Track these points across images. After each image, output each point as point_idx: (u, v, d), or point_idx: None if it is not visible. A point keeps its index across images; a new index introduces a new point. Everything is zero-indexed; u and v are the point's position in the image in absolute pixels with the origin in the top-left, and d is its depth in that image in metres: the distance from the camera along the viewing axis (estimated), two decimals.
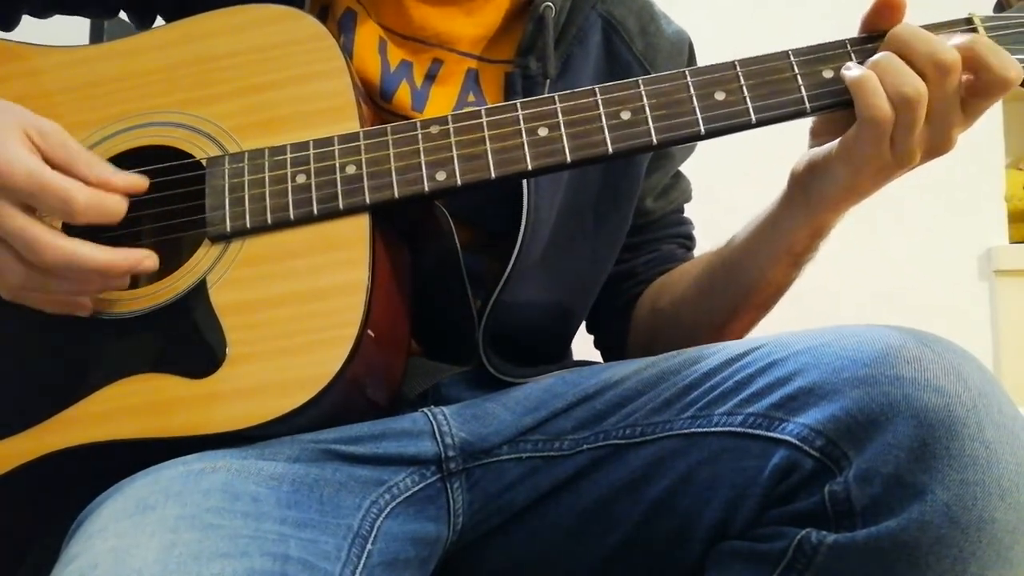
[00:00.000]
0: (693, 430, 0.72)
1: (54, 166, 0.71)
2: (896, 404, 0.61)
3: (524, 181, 0.83)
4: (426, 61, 0.90)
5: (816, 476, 0.64)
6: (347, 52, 0.87)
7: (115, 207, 0.72)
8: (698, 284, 0.92)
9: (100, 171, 0.73)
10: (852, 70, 0.73)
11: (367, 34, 0.90)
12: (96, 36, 1.20)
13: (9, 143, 0.69)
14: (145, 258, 0.72)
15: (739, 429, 0.69)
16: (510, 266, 0.84)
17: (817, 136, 0.78)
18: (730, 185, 1.63)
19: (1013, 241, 2.02)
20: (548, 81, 0.88)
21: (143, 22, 0.97)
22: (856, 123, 0.72)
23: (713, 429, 0.71)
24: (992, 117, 2.00)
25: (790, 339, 0.70)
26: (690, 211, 1.07)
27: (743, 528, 0.68)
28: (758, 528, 0.67)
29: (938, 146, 0.73)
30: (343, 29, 0.89)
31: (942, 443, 0.59)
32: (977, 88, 0.71)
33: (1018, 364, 1.93)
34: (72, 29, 1.10)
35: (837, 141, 0.74)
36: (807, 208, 0.78)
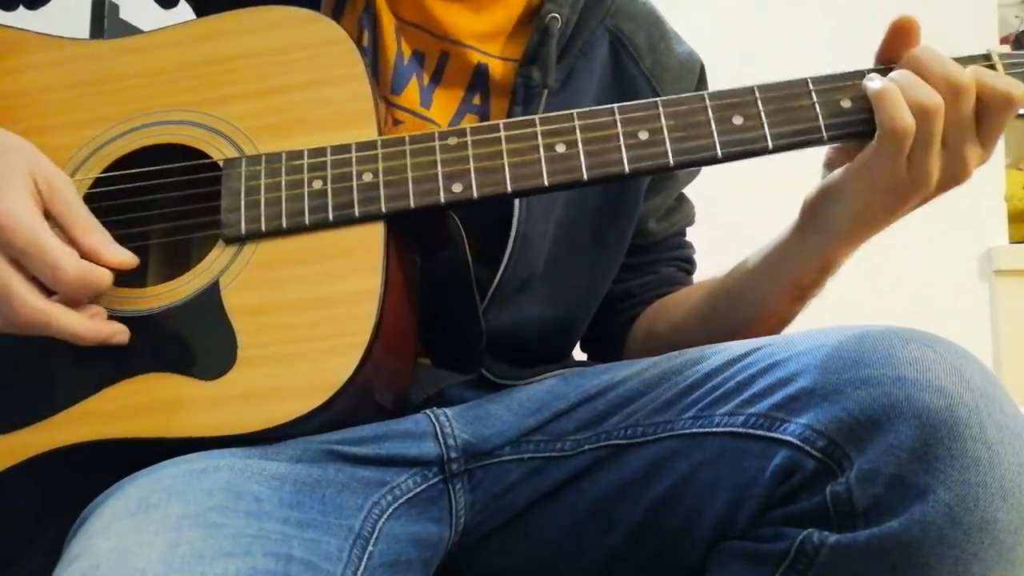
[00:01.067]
0: (694, 430, 0.72)
1: (50, 218, 0.70)
2: (898, 405, 0.61)
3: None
4: (436, 53, 0.90)
5: (818, 476, 0.64)
6: (371, 34, 0.87)
7: (100, 281, 0.71)
8: (698, 311, 0.92)
9: (94, 240, 0.71)
10: (874, 81, 0.73)
11: (387, 23, 0.90)
12: (96, 31, 1.19)
13: (16, 193, 0.69)
14: (117, 333, 0.72)
15: (740, 429, 0.69)
16: (497, 278, 0.84)
17: (831, 167, 0.78)
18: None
19: (1013, 241, 2.02)
20: (547, 92, 0.87)
21: (168, 3, 0.97)
22: (876, 136, 0.72)
23: (714, 429, 0.71)
24: None
25: (792, 339, 0.70)
26: (692, 235, 1.07)
27: (744, 528, 0.68)
28: (760, 528, 0.67)
29: (954, 174, 0.73)
30: (364, 18, 0.89)
31: (944, 444, 0.59)
32: (986, 111, 0.72)
33: (1018, 364, 1.93)
34: (72, 29, 1.10)
35: (853, 160, 0.74)
36: (817, 236, 0.78)
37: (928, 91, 0.71)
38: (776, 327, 0.87)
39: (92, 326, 0.71)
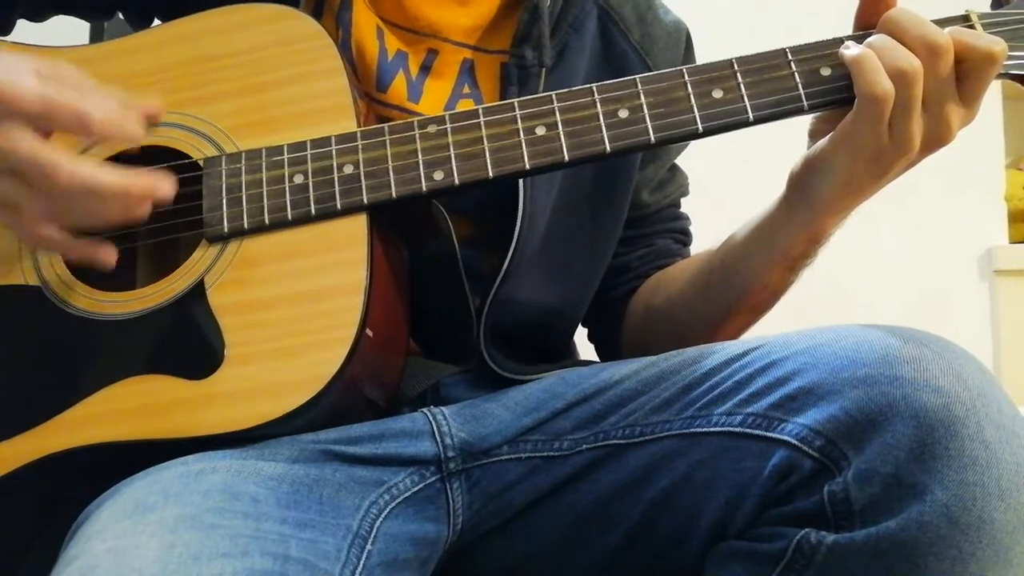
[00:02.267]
0: (692, 430, 0.72)
1: None
2: (895, 404, 0.61)
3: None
4: (421, 52, 0.90)
5: (815, 476, 0.64)
6: (346, 33, 0.87)
7: (133, 126, 0.69)
8: (693, 283, 0.92)
9: (116, 96, 0.70)
10: (851, 48, 0.73)
11: (365, 21, 0.90)
12: (96, 37, 1.20)
13: (17, 71, 0.67)
14: (162, 180, 0.69)
15: (738, 429, 0.69)
16: (507, 261, 0.84)
17: (815, 137, 0.78)
18: (726, 180, 1.63)
19: (1013, 241, 2.02)
20: (544, 71, 0.87)
21: (139, 23, 0.97)
22: (855, 104, 0.71)
23: (712, 429, 0.71)
24: (992, 117, 2.00)
25: (789, 339, 0.70)
26: (687, 205, 1.07)
27: (742, 528, 0.68)
28: (757, 528, 0.67)
29: (937, 135, 0.72)
30: (341, 16, 0.89)
31: (941, 443, 0.59)
32: (967, 70, 0.71)
33: (1018, 364, 1.93)
34: (73, 31, 1.10)
35: (835, 130, 0.74)
36: (805, 209, 0.78)
37: (905, 54, 0.70)
38: (770, 298, 0.87)
39: (135, 174, 0.68)
